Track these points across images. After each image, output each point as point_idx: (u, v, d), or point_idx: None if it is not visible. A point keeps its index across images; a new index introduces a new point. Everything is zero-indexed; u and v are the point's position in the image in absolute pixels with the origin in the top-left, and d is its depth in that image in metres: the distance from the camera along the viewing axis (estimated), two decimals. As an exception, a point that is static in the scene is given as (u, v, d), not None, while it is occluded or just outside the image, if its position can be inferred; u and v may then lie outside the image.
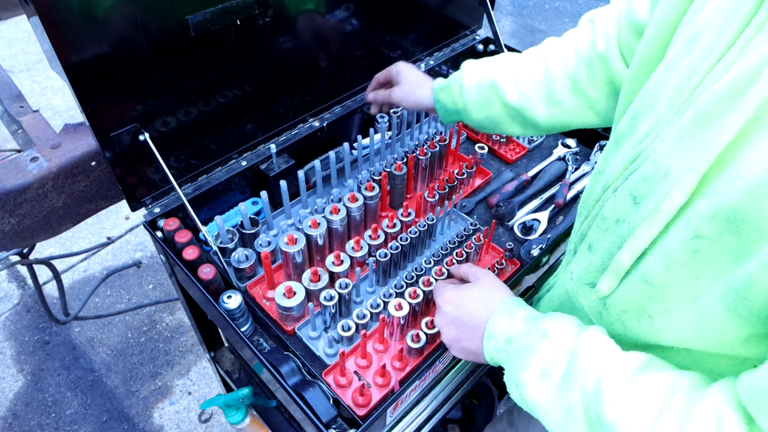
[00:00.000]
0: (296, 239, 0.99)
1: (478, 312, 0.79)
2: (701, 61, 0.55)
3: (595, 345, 0.64)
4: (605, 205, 0.68)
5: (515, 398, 0.71)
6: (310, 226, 1.00)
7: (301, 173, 1.10)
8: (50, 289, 2.39)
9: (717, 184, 0.50)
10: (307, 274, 0.98)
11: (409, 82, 1.14)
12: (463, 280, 0.91)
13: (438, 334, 0.93)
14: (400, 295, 0.96)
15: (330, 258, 0.99)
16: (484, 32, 1.64)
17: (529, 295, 1.23)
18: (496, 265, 1.07)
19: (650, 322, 0.62)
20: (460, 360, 1.07)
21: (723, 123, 0.50)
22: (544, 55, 0.99)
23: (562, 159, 1.37)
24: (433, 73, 1.52)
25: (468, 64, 1.06)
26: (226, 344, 1.50)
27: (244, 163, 1.19)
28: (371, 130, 1.22)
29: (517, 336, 0.72)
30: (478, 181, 1.31)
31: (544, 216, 1.23)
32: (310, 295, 0.98)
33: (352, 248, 1.03)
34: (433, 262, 1.03)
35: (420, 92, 1.12)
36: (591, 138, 1.40)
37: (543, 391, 0.65)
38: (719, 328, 0.52)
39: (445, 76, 1.57)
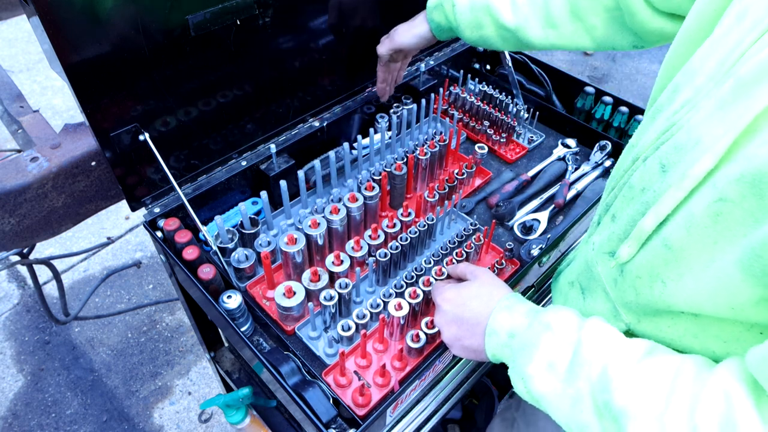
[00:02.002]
0: (296, 239, 0.99)
1: (478, 309, 0.79)
2: (747, 33, 0.55)
3: (598, 334, 0.65)
4: (633, 175, 0.69)
5: (520, 392, 0.71)
6: (310, 226, 1.00)
7: (301, 173, 1.10)
8: (50, 289, 2.39)
9: (747, 149, 0.51)
10: (307, 274, 0.98)
11: (403, 24, 1.19)
12: (461, 280, 0.91)
13: (438, 334, 0.93)
14: (400, 295, 0.96)
15: (330, 258, 0.99)
16: (484, 32, 1.64)
17: (531, 294, 1.24)
18: (496, 265, 1.07)
19: (662, 288, 0.62)
20: (459, 360, 1.07)
21: (760, 91, 0.51)
22: None
23: (562, 159, 1.37)
24: (433, 73, 1.52)
25: None
26: (226, 344, 1.50)
27: (244, 163, 1.19)
28: (371, 130, 1.22)
29: (519, 330, 0.72)
30: (478, 181, 1.31)
31: (544, 216, 1.23)
32: (310, 295, 0.98)
33: (352, 248, 1.03)
34: (433, 262, 1.03)
35: (416, 24, 1.16)
36: (591, 138, 1.40)
37: (549, 383, 0.66)
38: (732, 290, 0.53)
39: (446, 76, 1.58)
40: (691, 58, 0.64)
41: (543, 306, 0.77)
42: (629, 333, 0.74)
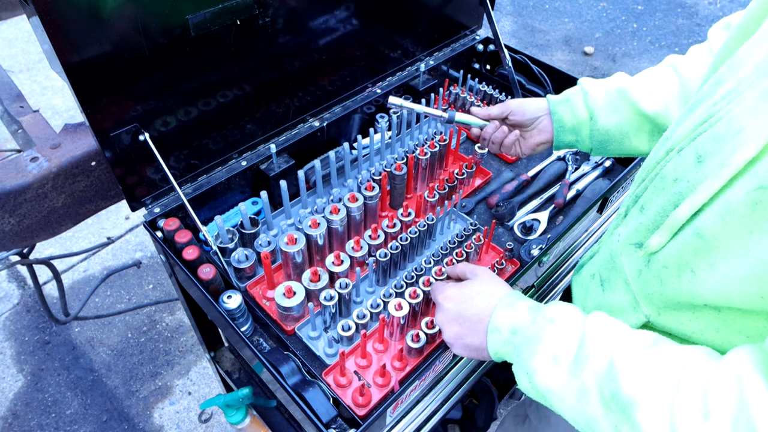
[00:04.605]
0: (296, 239, 0.99)
1: (480, 306, 0.79)
2: None
3: (603, 326, 0.65)
4: (667, 166, 0.69)
5: (524, 388, 0.72)
6: (310, 226, 1.00)
7: (301, 173, 1.10)
8: (50, 289, 2.39)
9: None
10: (307, 274, 0.98)
11: (522, 99, 1.09)
12: (460, 280, 0.91)
13: (438, 334, 0.93)
14: (400, 295, 0.96)
15: (330, 258, 0.99)
16: (484, 32, 1.64)
17: (531, 294, 1.23)
18: (496, 265, 1.07)
19: (691, 277, 0.62)
20: (460, 360, 1.07)
21: None
22: (673, 66, 0.98)
23: (562, 159, 1.37)
24: (433, 73, 1.52)
25: (584, 79, 1.04)
26: (226, 344, 1.50)
27: (244, 163, 1.19)
28: (371, 130, 1.22)
29: (522, 326, 0.72)
30: (478, 181, 1.31)
31: (543, 216, 1.23)
32: (310, 295, 0.98)
33: (352, 248, 1.03)
34: (433, 262, 1.03)
35: (534, 103, 1.07)
36: (591, 138, 1.40)
37: (555, 376, 0.66)
38: (765, 278, 0.53)
39: (445, 75, 1.57)
40: (736, 52, 0.65)
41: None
42: (648, 325, 0.74)
